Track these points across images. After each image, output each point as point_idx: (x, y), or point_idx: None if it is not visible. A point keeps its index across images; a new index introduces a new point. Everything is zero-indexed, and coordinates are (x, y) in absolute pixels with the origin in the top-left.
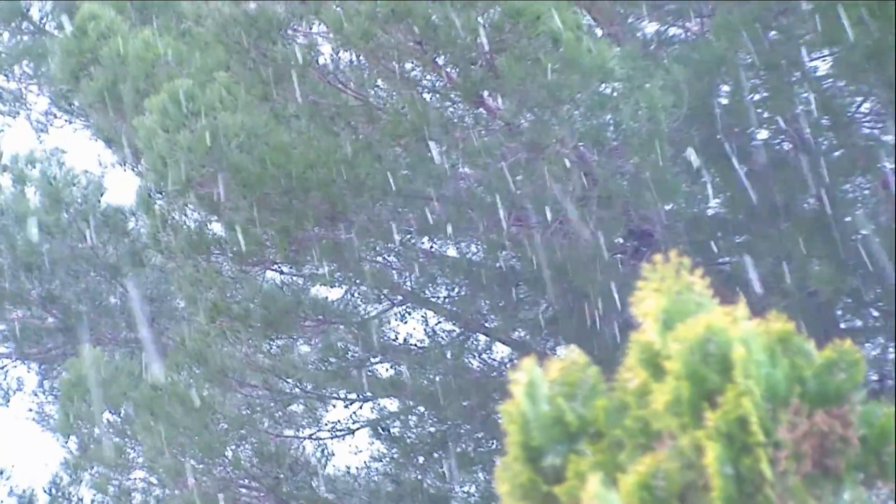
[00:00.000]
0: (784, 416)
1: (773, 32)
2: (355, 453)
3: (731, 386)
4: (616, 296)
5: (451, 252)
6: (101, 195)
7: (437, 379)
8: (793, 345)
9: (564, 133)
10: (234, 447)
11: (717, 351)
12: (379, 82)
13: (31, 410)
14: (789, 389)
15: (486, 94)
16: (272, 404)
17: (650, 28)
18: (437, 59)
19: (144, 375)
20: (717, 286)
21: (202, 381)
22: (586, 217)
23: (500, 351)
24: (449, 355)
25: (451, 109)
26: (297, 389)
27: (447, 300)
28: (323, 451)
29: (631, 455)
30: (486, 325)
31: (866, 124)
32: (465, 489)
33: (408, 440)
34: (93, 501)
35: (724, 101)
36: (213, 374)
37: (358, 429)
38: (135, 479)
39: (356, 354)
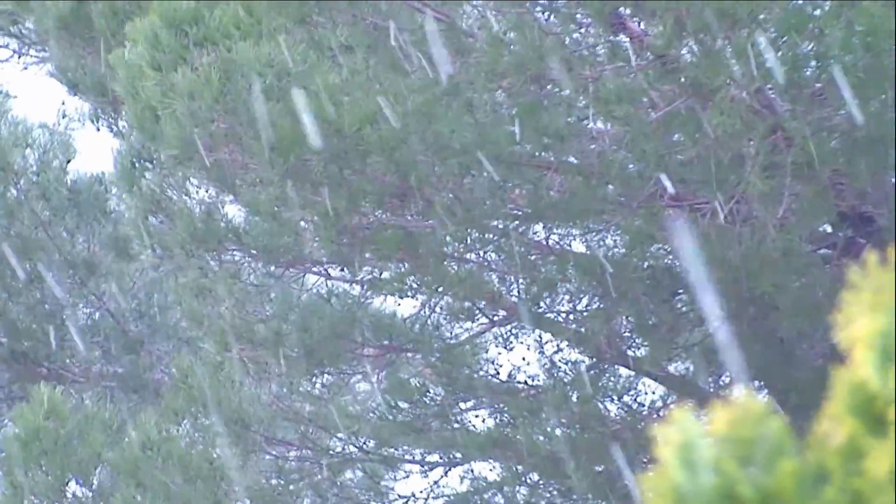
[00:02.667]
0: None
1: None
2: None
3: None
4: (821, 310)
5: (578, 246)
6: (69, 161)
7: (558, 432)
8: None
9: (743, 70)
10: None
11: None
12: None
13: None
14: None
15: (627, 12)
16: (316, 469)
17: None
18: None
19: (127, 427)
20: None
21: (212, 436)
22: (776, 194)
23: (651, 390)
24: (575, 398)
25: (576, 36)
26: (351, 447)
27: (572, 317)
28: None
29: None
30: (630, 352)
31: None
32: None
33: None
34: None
35: None
36: (229, 426)
37: None
38: None
39: (438, 397)
